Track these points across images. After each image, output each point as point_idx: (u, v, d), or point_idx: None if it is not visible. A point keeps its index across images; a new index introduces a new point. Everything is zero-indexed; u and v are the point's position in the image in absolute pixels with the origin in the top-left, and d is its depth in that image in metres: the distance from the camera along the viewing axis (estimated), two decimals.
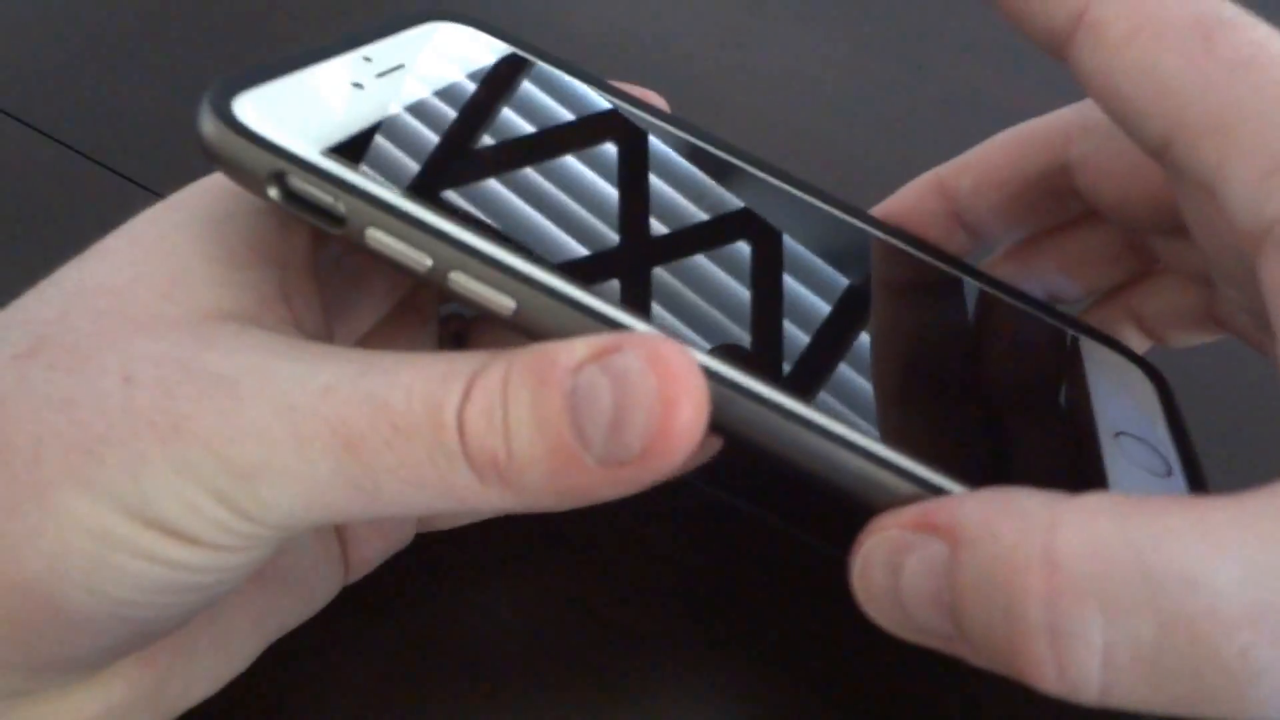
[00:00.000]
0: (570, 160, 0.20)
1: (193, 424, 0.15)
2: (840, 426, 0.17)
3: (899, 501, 0.17)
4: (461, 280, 0.17)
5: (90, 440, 0.14)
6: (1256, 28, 0.16)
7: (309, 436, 0.15)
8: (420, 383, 0.15)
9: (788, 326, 0.19)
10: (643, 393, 0.14)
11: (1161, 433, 0.20)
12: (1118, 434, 0.20)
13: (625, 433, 0.15)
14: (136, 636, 0.16)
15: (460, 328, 0.24)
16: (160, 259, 0.16)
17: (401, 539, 0.22)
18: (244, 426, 0.15)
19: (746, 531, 0.24)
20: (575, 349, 0.15)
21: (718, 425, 0.17)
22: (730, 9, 0.40)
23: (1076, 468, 0.19)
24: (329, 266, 0.20)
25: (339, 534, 0.21)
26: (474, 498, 0.15)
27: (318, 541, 0.20)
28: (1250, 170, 0.15)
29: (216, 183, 0.18)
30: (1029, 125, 0.22)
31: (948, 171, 0.23)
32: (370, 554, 0.21)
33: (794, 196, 0.22)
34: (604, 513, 0.23)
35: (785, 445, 0.17)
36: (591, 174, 0.20)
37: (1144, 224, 0.21)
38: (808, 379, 0.18)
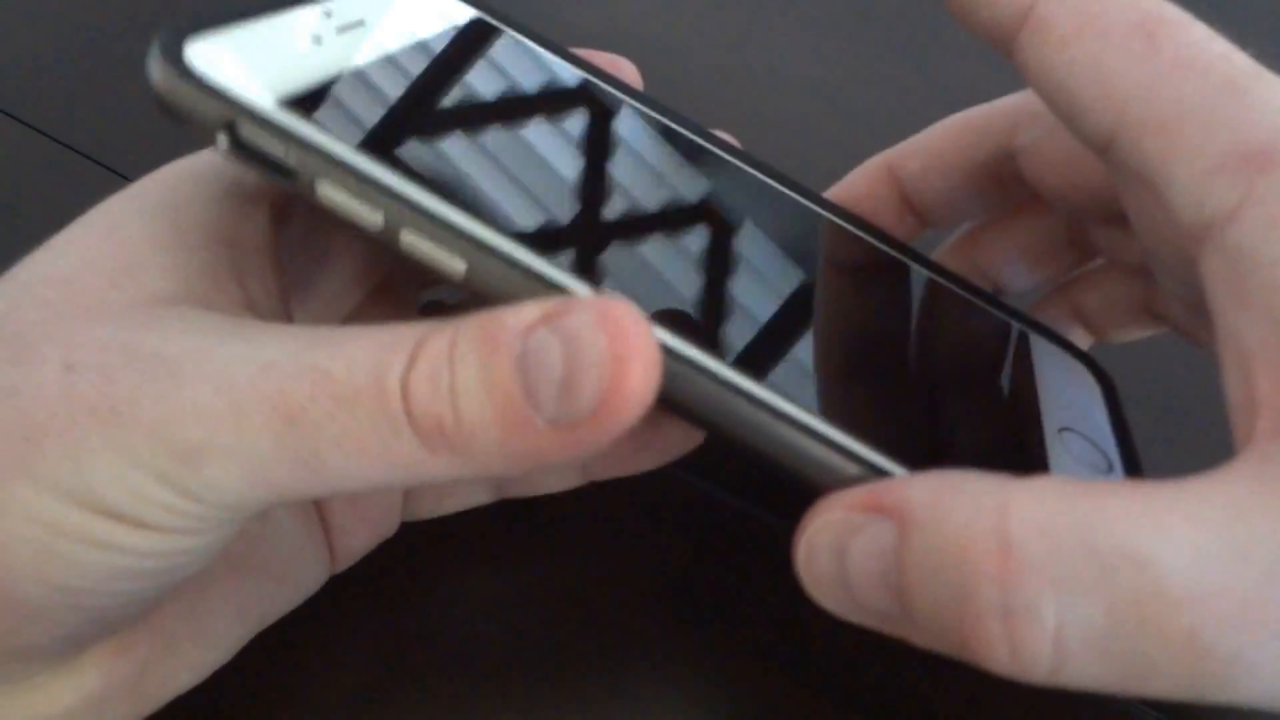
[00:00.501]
0: (528, 127, 0.20)
1: (132, 407, 0.15)
2: (788, 405, 0.17)
3: (845, 482, 0.16)
4: (413, 240, 0.16)
5: (31, 429, 0.14)
6: (1197, 28, 0.16)
7: (249, 412, 0.14)
8: (362, 352, 0.15)
9: (740, 304, 0.18)
10: (593, 352, 0.14)
11: (1105, 430, 0.20)
12: (1062, 429, 0.20)
13: (576, 393, 0.14)
14: (96, 625, 0.16)
15: (440, 315, 0.24)
16: (110, 247, 0.16)
17: (388, 528, 0.22)
18: (184, 407, 0.15)
19: (742, 527, 0.24)
20: (525, 312, 0.15)
21: (667, 398, 0.16)
22: (730, 9, 0.40)
23: (1021, 459, 0.19)
24: (293, 250, 0.20)
25: (324, 523, 0.21)
26: (422, 466, 0.15)
27: (301, 530, 0.20)
28: (1192, 168, 0.15)
29: (170, 170, 0.18)
30: (976, 111, 0.23)
31: (897, 155, 0.23)
32: (356, 543, 0.21)
33: (751, 176, 0.22)
34: (599, 507, 0.23)
35: (733, 421, 0.16)
36: (549, 141, 0.20)
37: (1086, 212, 0.21)
38: (758, 357, 0.17)
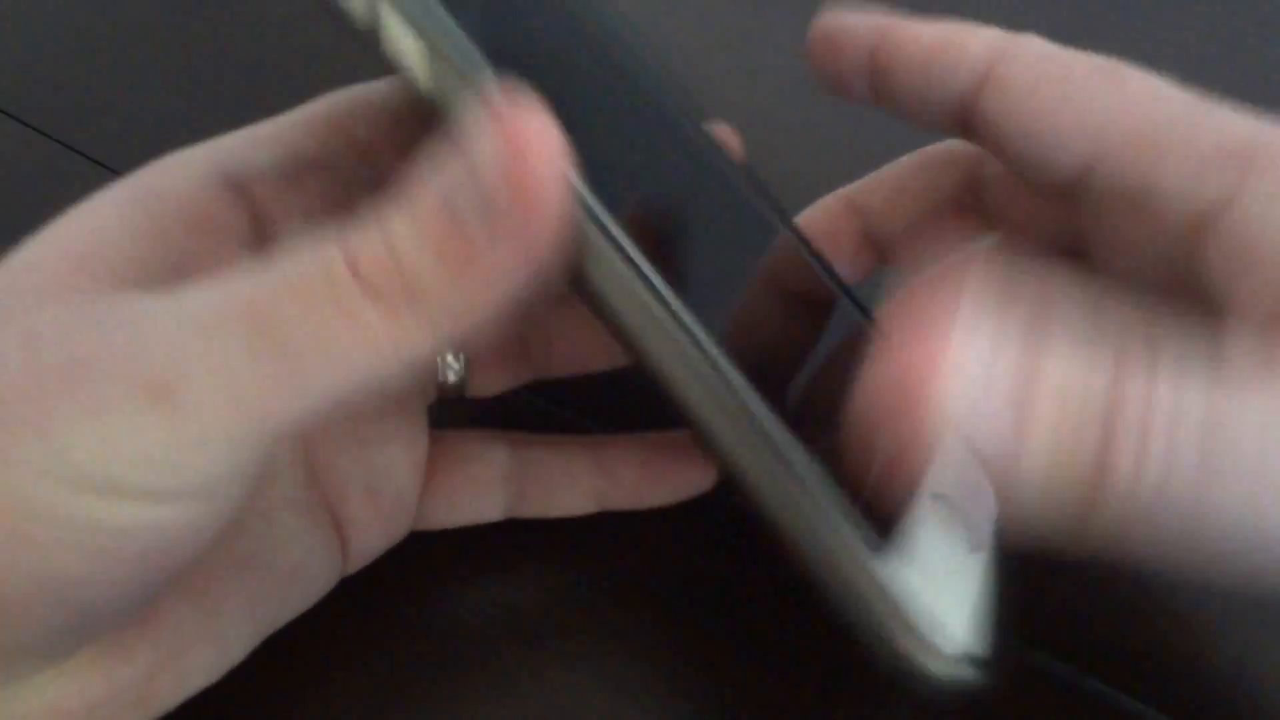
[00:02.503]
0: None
1: (97, 360, 0.14)
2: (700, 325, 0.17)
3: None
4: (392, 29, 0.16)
5: None
6: (1155, 76, 0.18)
7: (217, 331, 0.14)
8: (305, 252, 0.15)
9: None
10: (491, 149, 0.15)
11: None
12: None
13: (489, 193, 0.15)
14: (85, 619, 0.15)
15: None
16: (79, 231, 0.17)
17: (400, 529, 0.22)
18: (149, 343, 0.14)
19: (745, 529, 0.23)
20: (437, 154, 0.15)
21: (585, 290, 0.17)
22: (730, 9, 0.40)
23: None
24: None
25: (335, 523, 0.20)
26: (395, 341, 0.15)
27: (310, 527, 0.20)
28: (1181, 170, 0.17)
29: (164, 159, 0.18)
30: (940, 146, 0.23)
31: (858, 190, 0.24)
32: (368, 544, 0.21)
33: (731, 171, 0.21)
34: (603, 512, 0.23)
35: (640, 323, 0.17)
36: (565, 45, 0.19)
37: (1050, 244, 0.22)
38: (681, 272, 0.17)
